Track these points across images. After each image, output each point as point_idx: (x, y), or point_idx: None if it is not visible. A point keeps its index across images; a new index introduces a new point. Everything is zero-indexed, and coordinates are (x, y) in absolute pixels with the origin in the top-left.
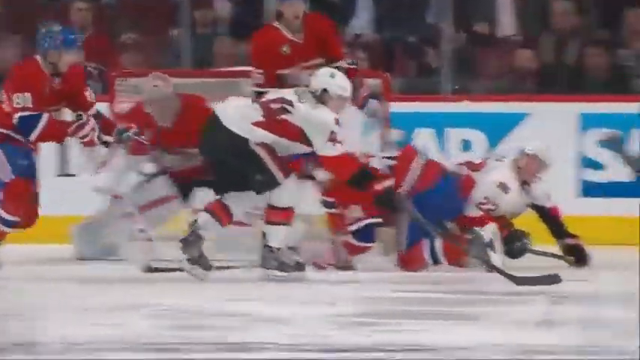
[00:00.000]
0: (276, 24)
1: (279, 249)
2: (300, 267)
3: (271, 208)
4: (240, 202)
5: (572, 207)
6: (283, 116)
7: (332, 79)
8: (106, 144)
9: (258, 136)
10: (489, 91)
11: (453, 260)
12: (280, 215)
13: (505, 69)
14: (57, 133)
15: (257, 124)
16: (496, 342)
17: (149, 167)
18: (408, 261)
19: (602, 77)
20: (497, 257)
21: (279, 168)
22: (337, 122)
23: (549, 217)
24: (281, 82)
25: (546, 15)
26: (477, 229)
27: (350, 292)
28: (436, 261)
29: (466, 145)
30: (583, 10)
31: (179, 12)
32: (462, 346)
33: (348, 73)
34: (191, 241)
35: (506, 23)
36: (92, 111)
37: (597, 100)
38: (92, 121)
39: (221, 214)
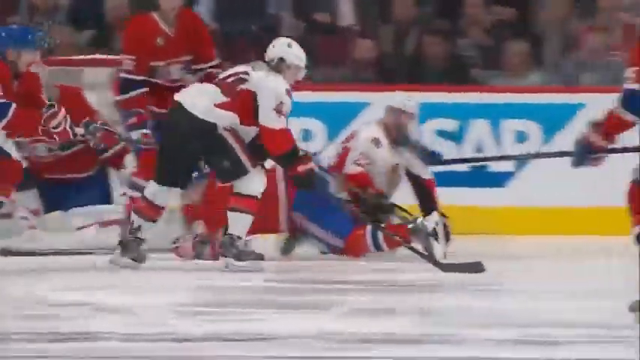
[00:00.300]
0: (154, 14)
1: (239, 237)
2: (258, 256)
3: (237, 195)
4: (168, 193)
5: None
6: (242, 86)
7: (289, 48)
8: (75, 136)
9: (220, 117)
10: (329, 80)
11: (394, 247)
12: (246, 203)
13: (345, 58)
14: (28, 123)
15: (219, 105)
16: (336, 330)
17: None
18: (351, 247)
19: (441, 67)
20: (439, 246)
21: (246, 155)
22: (289, 94)
23: (423, 188)
24: (152, 73)
25: (386, 4)
26: (420, 218)
27: (192, 281)
28: (378, 247)
29: (306, 135)
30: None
31: None
32: (299, 335)
33: (211, 75)
34: (130, 244)
35: (346, 13)
36: None
37: (436, 89)
38: (63, 111)
39: (149, 211)
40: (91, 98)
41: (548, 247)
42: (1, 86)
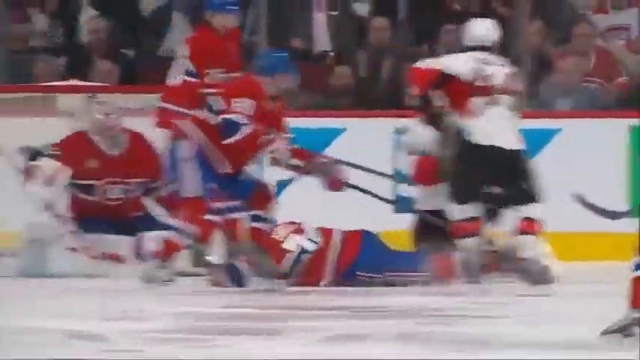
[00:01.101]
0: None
1: (530, 260)
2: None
3: (528, 220)
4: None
5: (389, 222)
6: None
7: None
8: (292, 167)
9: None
10: (306, 106)
11: (442, 276)
12: (537, 228)
13: (321, 84)
14: (250, 145)
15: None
16: (320, 355)
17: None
18: (440, 273)
19: None
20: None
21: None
22: None
23: None
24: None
25: (362, 31)
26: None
27: (164, 307)
28: (472, 274)
29: None
30: (399, 25)
31: None
32: None
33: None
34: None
35: (322, 39)
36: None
37: (412, 115)
38: (282, 137)
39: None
40: (67, 125)
41: None
42: (251, 105)
